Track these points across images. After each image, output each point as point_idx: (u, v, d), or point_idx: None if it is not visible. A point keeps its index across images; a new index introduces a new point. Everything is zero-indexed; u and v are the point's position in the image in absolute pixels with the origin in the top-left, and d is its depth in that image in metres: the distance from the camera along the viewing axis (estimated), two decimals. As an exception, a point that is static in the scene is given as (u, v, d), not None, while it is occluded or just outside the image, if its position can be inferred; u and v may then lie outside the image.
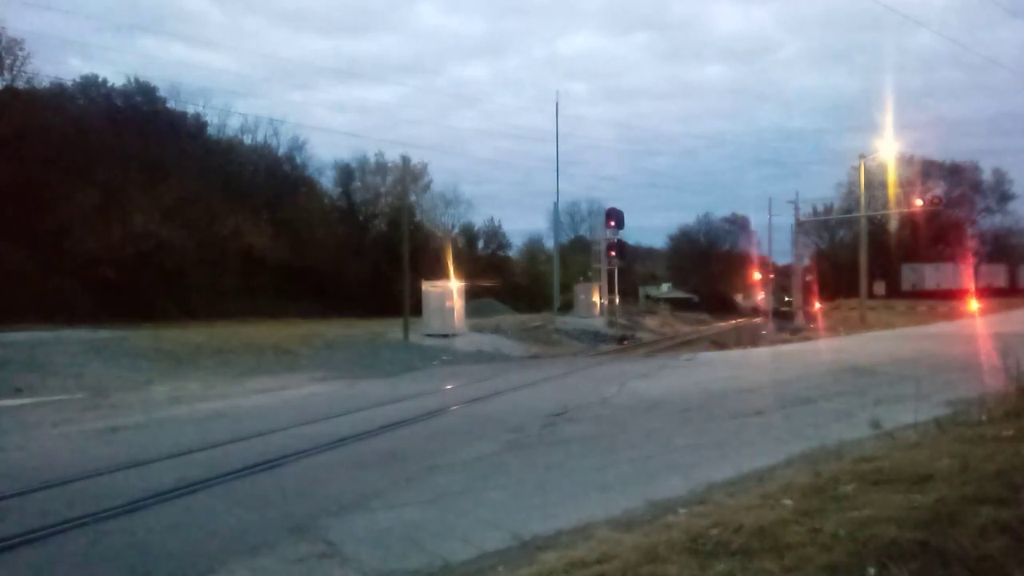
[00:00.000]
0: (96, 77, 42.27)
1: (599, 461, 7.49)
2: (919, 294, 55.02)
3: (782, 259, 67.22)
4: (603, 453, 7.90)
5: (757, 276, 66.69)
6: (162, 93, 43.34)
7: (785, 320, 43.47)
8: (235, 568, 4.81)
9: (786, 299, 60.13)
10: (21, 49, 34.04)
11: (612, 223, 42.04)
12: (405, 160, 34.97)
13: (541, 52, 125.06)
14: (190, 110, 45.45)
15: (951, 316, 38.27)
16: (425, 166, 58.23)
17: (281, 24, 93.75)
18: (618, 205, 52.24)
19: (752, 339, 31.55)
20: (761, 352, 22.69)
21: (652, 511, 5.15)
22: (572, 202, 77.61)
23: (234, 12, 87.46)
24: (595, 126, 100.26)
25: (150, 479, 7.13)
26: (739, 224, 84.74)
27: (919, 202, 41.21)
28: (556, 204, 56.52)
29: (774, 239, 63.80)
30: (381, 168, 56.33)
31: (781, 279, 64.98)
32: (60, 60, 66.91)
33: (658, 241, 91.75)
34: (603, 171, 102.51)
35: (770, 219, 52.63)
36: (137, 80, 42.65)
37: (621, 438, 8.77)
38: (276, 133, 52.34)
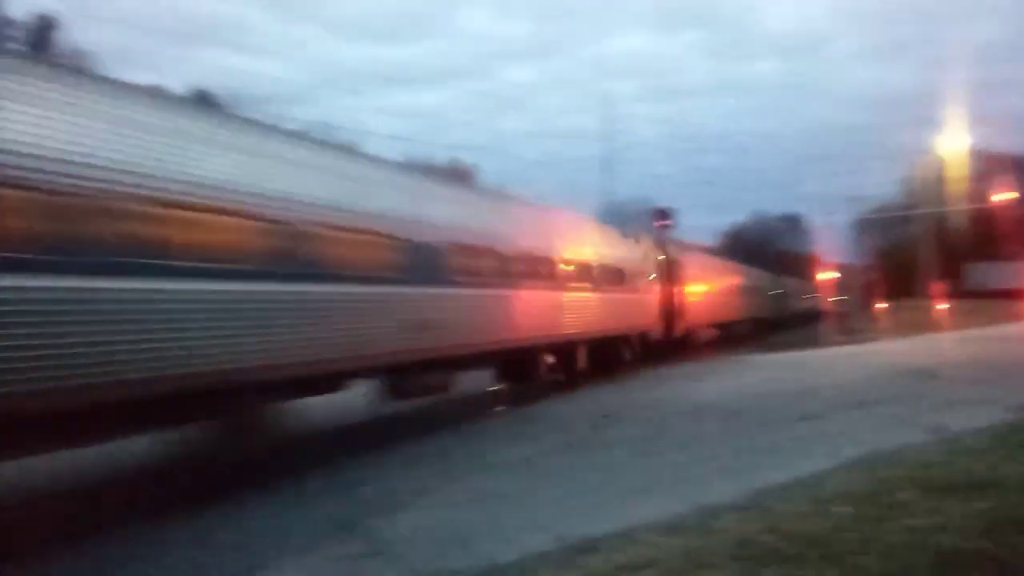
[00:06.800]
0: (160, 88, 43.74)
1: (646, 464, 7.40)
2: (985, 294, 52.84)
3: (839, 258, 65.36)
4: (650, 456, 7.81)
5: (818, 276, 65.04)
6: (222, 102, 44.65)
7: (842, 321, 42.26)
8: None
9: (843, 299, 58.51)
10: (88, 62, 35.53)
11: (661, 221, 41.51)
12: (453, 163, 35.35)
13: (588, 52, 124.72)
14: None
15: (1019, 317, 36.65)
16: (473, 168, 58.62)
17: (333, 32, 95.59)
18: (668, 204, 51.47)
19: (807, 340, 30.73)
20: (817, 354, 22.11)
21: (700, 515, 5.05)
22: (620, 201, 76.97)
23: (288, 21, 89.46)
24: (644, 125, 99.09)
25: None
26: (794, 222, 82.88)
27: (988, 198, 39.57)
28: (603, 205, 56.09)
29: (831, 238, 62.12)
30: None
31: (837, 279, 63.14)
32: (123, 72, 69.21)
33: (709, 241, 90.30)
34: (652, 170, 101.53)
35: (825, 218, 51.31)
36: (199, 90, 44.05)
37: (669, 441, 8.65)
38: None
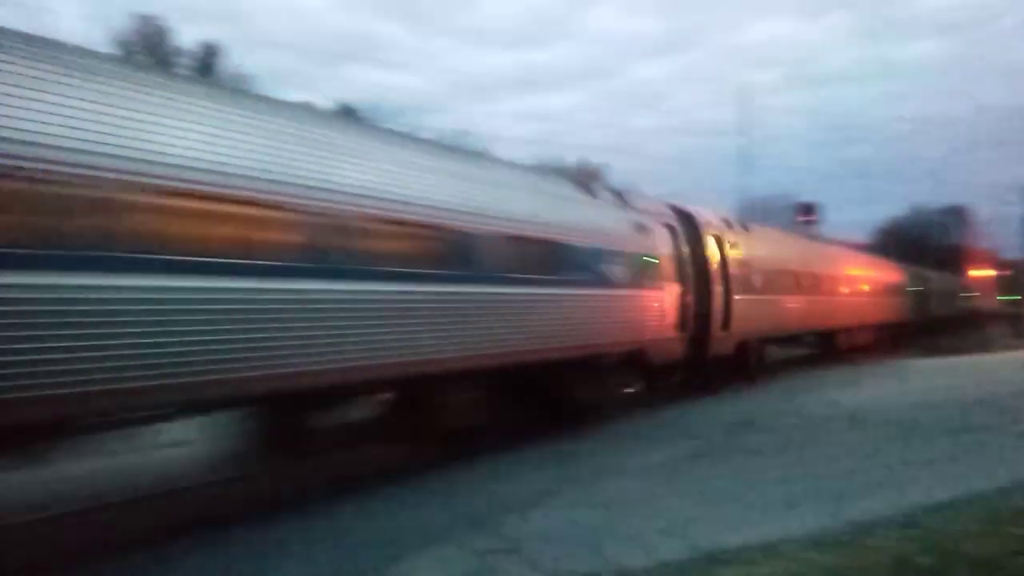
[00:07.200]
0: (308, 104, 46.79)
1: (788, 474, 6.98)
2: None
3: (1012, 254, 59.33)
4: (793, 466, 7.37)
5: (980, 273, 59.33)
6: (363, 115, 47.17)
7: (1015, 322, 38.17)
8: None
9: (1016, 298, 52.89)
10: (245, 83, 38.59)
11: (805, 216, 39.49)
12: (581, 164, 35.36)
13: (722, 44, 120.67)
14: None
15: None
16: (602, 168, 58.29)
17: (465, 42, 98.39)
18: (811, 199, 48.70)
19: (974, 345, 28.03)
20: (984, 359, 20.12)
21: (850, 532, 4.69)
22: (759, 197, 73.51)
23: (423, 35, 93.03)
24: (784, 116, 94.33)
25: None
26: (957, 215, 75.97)
27: None
28: (742, 201, 53.90)
29: (1002, 232, 56.40)
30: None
31: (1011, 277, 57.38)
32: (273, 90, 74.61)
33: (858, 237, 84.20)
34: (794, 163, 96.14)
35: (996, 209, 46.57)
36: (343, 105, 46.75)
37: (814, 451, 8.13)
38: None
